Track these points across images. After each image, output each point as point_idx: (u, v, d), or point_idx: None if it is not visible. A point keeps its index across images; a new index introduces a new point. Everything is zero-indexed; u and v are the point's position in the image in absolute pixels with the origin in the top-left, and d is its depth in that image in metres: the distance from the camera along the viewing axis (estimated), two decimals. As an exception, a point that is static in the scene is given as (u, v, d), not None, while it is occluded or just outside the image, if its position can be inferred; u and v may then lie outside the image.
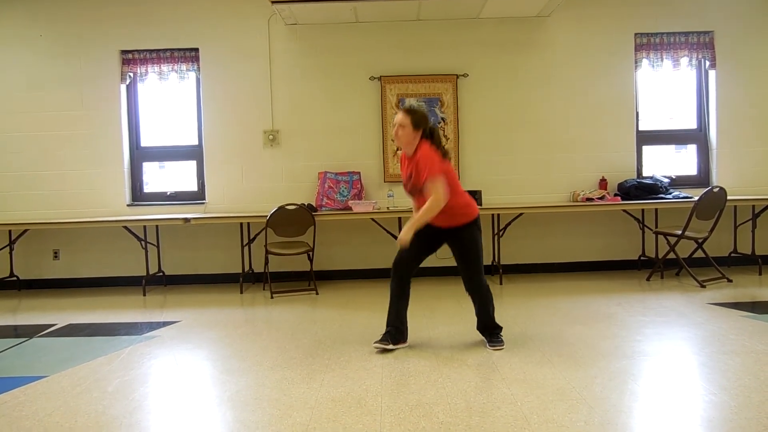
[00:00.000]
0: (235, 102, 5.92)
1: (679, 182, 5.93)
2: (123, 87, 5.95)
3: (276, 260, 5.55)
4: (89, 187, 5.92)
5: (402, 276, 3.40)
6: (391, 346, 3.31)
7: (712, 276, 5.20)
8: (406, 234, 3.20)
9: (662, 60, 5.93)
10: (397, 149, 5.80)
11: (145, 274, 5.66)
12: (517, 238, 5.86)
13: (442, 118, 5.87)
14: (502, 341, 3.37)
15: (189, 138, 6.10)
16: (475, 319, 3.47)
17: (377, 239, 5.79)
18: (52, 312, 4.85)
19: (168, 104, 6.13)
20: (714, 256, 5.46)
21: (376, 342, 3.35)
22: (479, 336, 3.54)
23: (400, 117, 3.34)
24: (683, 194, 5.59)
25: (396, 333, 3.37)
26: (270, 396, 2.67)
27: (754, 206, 5.74)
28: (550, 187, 5.94)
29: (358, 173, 5.82)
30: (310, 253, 5.34)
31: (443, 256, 5.88)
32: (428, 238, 3.38)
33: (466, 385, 2.72)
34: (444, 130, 5.85)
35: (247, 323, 4.27)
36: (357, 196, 5.73)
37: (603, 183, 5.82)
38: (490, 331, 3.42)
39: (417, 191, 3.32)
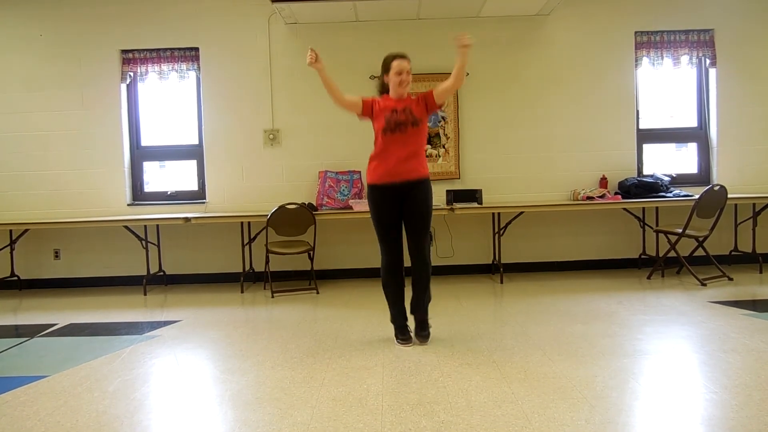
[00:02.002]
0: (236, 101, 5.92)
1: (679, 180, 5.93)
2: (123, 86, 5.96)
3: (276, 259, 5.55)
4: (90, 187, 5.93)
5: (396, 272, 3.45)
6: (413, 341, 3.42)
7: (712, 274, 5.20)
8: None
9: (662, 58, 5.92)
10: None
11: (145, 273, 5.66)
12: (517, 237, 5.86)
13: (443, 117, 5.87)
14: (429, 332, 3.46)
15: (189, 137, 6.10)
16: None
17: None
18: (52, 312, 4.85)
19: (168, 104, 6.13)
20: (715, 255, 5.46)
21: (401, 342, 3.39)
22: (480, 334, 3.54)
23: (404, 64, 3.36)
24: (684, 192, 5.59)
25: (406, 327, 3.48)
26: (271, 395, 2.67)
27: (754, 204, 5.74)
28: (551, 185, 5.94)
29: (359, 172, 5.82)
30: (311, 253, 5.34)
31: (444, 255, 5.92)
32: (394, 207, 3.39)
33: (466, 384, 2.73)
34: (444, 129, 5.86)
35: (248, 323, 4.27)
36: (357, 195, 5.73)
37: (603, 181, 5.82)
38: (425, 315, 3.46)
39: (408, 128, 3.33)
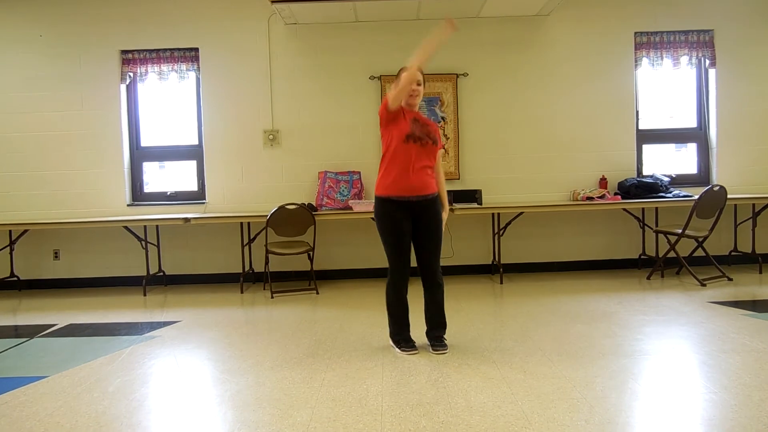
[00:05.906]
0: (235, 102, 5.92)
1: (679, 181, 5.94)
2: (123, 87, 5.96)
3: (276, 260, 5.55)
4: (89, 187, 5.93)
5: (405, 290, 3.32)
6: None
7: (712, 275, 5.20)
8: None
9: (662, 59, 5.92)
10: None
11: (145, 274, 5.66)
12: (517, 238, 5.86)
13: (442, 117, 5.87)
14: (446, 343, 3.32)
15: (189, 138, 6.10)
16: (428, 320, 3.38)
17: (377, 239, 5.77)
18: (52, 312, 4.85)
19: (168, 104, 6.13)
20: (714, 255, 5.46)
21: (408, 351, 3.25)
22: (478, 334, 3.54)
23: (418, 74, 3.38)
24: (683, 193, 5.59)
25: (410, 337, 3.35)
26: (270, 396, 2.67)
27: (754, 204, 5.74)
28: (551, 186, 5.94)
29: (359, 173, 5.82)
30: (311, 253, 5.34)
31: (443, 256, 5.91)
32: (410, 223, 3.29)
33: (466, 384, 2.73)
34: (444, 129, 5.86)
35: (248, 323, 4.27)
36: (357, 196, 5.73)
37: (603, 182, 5.82)
38: (443, 330, 3.34)
39: (429, 143, 3.31)
